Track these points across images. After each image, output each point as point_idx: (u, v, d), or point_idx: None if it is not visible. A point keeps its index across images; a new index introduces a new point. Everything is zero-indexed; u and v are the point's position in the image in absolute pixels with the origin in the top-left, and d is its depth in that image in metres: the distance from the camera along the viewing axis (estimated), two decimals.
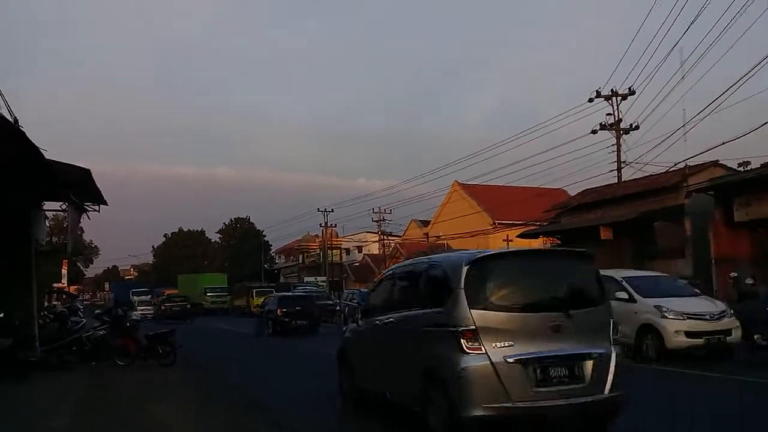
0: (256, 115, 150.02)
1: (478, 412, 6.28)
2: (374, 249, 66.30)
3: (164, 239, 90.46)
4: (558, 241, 35.37)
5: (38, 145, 9.85)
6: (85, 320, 20.53)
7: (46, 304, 26.60)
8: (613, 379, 6.65)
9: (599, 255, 26.57)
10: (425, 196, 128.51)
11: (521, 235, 36.46)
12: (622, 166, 32.09)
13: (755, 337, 13.68)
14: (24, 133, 9.63)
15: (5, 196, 13.03)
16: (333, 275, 63.29)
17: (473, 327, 6.46)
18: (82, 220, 17.59)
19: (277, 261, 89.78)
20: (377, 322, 8.50)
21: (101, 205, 16.50)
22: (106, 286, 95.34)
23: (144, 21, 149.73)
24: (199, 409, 9.44)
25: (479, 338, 6.42)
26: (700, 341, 13.14)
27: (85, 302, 65.07)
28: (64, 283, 43.69)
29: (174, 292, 54.52)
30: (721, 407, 8.63)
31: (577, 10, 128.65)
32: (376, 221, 59.71)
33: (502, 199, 46.30)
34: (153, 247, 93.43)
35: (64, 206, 17.76)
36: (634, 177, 30.87)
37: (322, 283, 57.60)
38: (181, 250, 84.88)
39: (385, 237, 60.32)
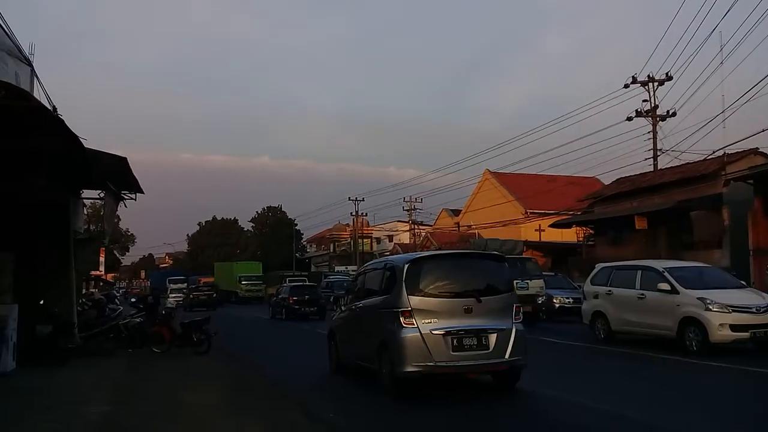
0: (291, 106, 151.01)
1: (410, 369, 8.67)
2: (405, 238, 66.19)
3: (198, 227, 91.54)
4: (591, 231, 34.92)
5: (77, 134, 9.94)
6: (121, 308, 20.93)
7: (84, 291, 27.19)
8: (512, 348, 8.87)
9: (634, 245, 26.60)
10: (456, 185, 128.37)
11: (554, 225, 36.05)
12: (659, 154, 31.50)
13: None
14: (63, 121, 9.70)
15: (45, 185, 13.24)
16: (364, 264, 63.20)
17: (409, 308, 8.85)
18: (118, 208, 17.79)
19: (308, 250, 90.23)
20: (353, 307, 11.13)
21: (137, 194, 16.69)
22: (142, 274, 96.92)
23: (183, 14, 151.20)
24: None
25: (413, 316, 8.79)
26: (745, 335, 12.67)
27: (121, 290, 66.22)
28: (101, 271, 44.42)
29: (210, 280, 55.02)
30: None
31: None
32: (407, 210, 59.66)
33: (534, 188, 45.68)
34: (187, 235, 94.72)
35: (101, 194, 18.05)
36: (670, 165, 30.33)
37: (352, 272, 57.51)
38: (215, 239, 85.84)
39: (415, 226, 60.20)
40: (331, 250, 78.91)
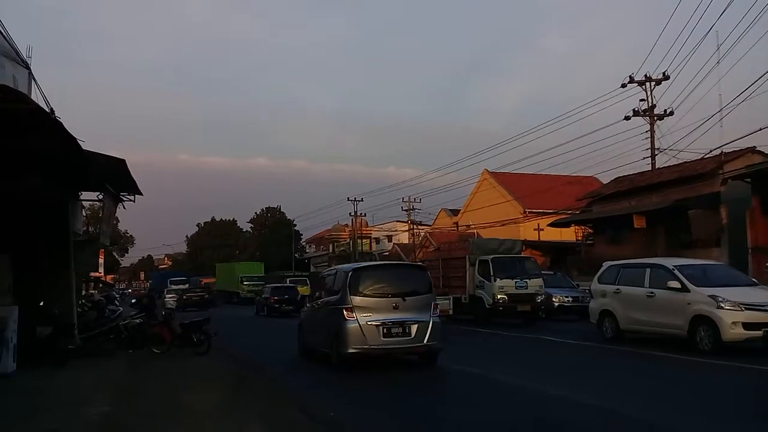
0: (291, 106, 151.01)
1: (351, 350, 11.38)
2: (404, 238, 66.14)
3: (197, 229, 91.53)
4: (590, 230, 34.94)
5: (75, 136, 9.94)
6: (121, 309, 20.94)
7: (83, 292, 27.18)
8: (429, 335, 11.57)
9: (632, 244, 26.63)
10: (455, 184, 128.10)
11: (553, 224, 36.06)
12: (656, 153, 31.49)
13: None
14: (61, 123, 9.71)
15: (44, 187, 13.24)
16: None
17: (351, 306, 11.51)
18: (117, 210, 17.80)
19: (307, 250, 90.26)
20: (315, 304, 14.00)
21: (136, 195, 16.69)
22: (142, 275, 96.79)
23: (183, 14, 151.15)
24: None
25: (354, 311, 11.44)
26: (758, 333, 12.40)
27: (120, 291, 66.04)
28: (101, 272, 44.38)
29: (211, 281, 54.93)
30: None
31: None
32: (406, 210, 59.65)
33: (533, 187, 45.71)
34: (186, 236, 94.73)
35: (100, 196, 18.05)
36: (668, 164, 30.35)
37: None
38: (214, 240, 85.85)
39: (414, 226, 60.18)
40: (331, 251, 78.87)
